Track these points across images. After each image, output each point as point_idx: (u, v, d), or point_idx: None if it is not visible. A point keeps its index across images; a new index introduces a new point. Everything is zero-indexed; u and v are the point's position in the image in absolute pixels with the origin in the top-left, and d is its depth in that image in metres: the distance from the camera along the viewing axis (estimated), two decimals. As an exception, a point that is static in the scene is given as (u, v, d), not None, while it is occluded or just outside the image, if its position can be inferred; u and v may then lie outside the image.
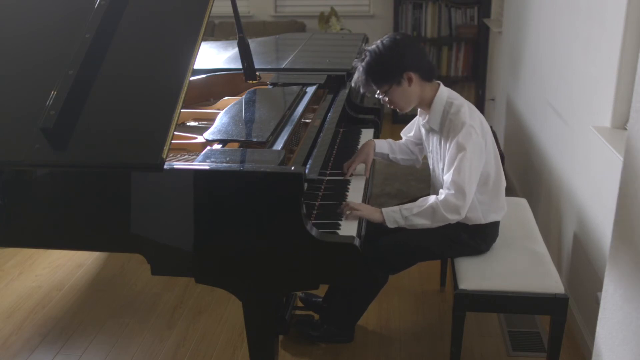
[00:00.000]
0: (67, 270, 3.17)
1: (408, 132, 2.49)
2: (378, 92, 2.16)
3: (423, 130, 2.32)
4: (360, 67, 2.13)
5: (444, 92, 2.16)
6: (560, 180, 2.85)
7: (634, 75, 1.91)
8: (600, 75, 2.34)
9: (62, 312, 2.82)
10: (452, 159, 2.05)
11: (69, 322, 2.75)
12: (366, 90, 2.18)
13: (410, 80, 2.10)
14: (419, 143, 2.43)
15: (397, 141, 2.51)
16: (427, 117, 2.19)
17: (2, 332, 2.68)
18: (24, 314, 2.81)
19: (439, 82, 2.19)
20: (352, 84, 2.22)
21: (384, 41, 2.12)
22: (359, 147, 2.66)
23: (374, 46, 2.13)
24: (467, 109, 2.10)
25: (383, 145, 2.45)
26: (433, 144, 2.23)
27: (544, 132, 3.24)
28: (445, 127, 2.11)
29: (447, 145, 2.09)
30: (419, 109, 2.26)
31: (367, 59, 2.11)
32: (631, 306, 1.57)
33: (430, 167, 2.31)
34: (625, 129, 2.11)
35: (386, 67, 2.09)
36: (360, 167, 2.39)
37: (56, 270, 3.18)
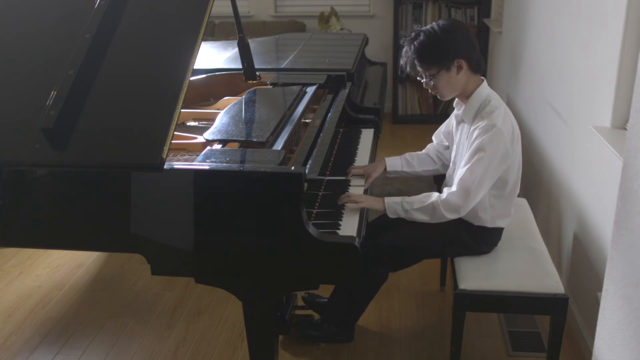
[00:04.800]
0: (67, 270, 3.17)
1: (440, 131, 2.46)
2: (423, 75, 2.12)
3: (454, 122, 2.29)
4: (412, 46, 2.09)
5: (485, 89, 2.15)
6: (560, 180, 2.85)
7: (634, 75, 1.91)
8: (600, 75, 2.34)
9: (62, 312, 2.82)
10: (470, 156, 2.04)
11: (69, 322, 2.75)
12: (412, 71, 2.14)
13: (460, 68, 2.08)
14: (447, 145, 2.41)
15: (417, 152, 2.48)
16: (462, 109, 2.18)
17: (2, 332, 2.68)
18: (24, 314, 2.81)
19: (483, 78, 2.17)
20: (401, 62, 2.15)
21: (440, 24, 2.08)
22: (359, 147, 2.67)
23: (429, 27, 2.09)
24: (502, 112, 2.07)
25: (396, 164, 2.43)
26: (461, 136, 2.21)
27: (544, 132, 3.24)
28: (476, 123, 2.09)
29: (471, 140, 2.07)
30: (456, 99, 2.23)
31: (421, 38, 2.07)
32: (631, 306, 1.57)
33: (452, 159, 2.30)
34: (625, 129, 2.11)
35: (440, 50, 2.06)
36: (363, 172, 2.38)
37: (56, 270, 3.18)
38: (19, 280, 3.09)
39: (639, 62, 1.65)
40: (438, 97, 2.18)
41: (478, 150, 2.02)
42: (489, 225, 2.19)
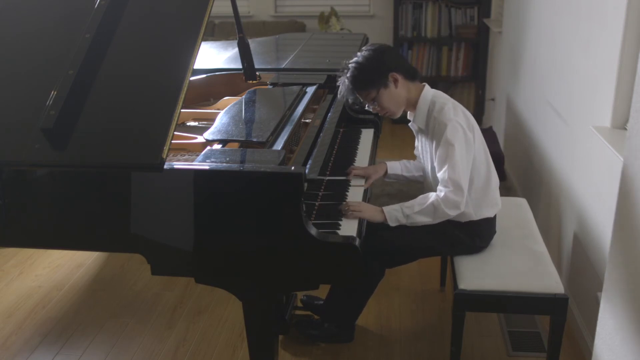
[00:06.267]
0: (67, 270, 3.17)
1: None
2: (367, 101, 2.19)
3: (414, 132, 2.34)
4: (345, 80, 2.18)
5: (429, 92, 2.20)
6: (560, 180, 2.85)
7: (634, 75, 1.91)
8: (600, 75, 2.34)
9: (62, 312, 2.82)
10: (442, 156, 2.08)
11: (69, 322, 2.75)
12: (354, 101, 2.23)
13: (396, 81, 2.15)
14: None
15: (412, 160, 2.51)
16: (413, 117, 2.23)
17: (2, 332, 2.68)
18: (24, 314, 2.81)
19: (424, 83, 2.23)
20: (339, 96, 2.26)
21: (363, 52, 2.18)
22: (359, 147, 2.67)
23: (354, 59, 2.18)
24: (450, 106, 2.13)
25: (396, 167, 2.46)
26: (423, 145, 2.28)
27: (544, 132, 3.24)
28: (431, 126, 2.15)
29: (434, 144, 2.12)
30: (408, 112, 2.27)
31: (350, 71, 2.16)
32: (631, 306, 1.57)
33: (422, 167, 2.34)
34: (625, 129, 2.11)
35: (371, 72, 2.14)
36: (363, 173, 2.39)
37: (56, 270, 3.18)
38: (19, 280, 3.09)
39: (639, 62, 1.65)
40: (389, 116, 2.24)
41: (447, 146, 2.06)
42: (475, 217, 2.20)
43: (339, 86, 2.23)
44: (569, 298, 2.09)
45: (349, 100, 2.24)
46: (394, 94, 2.16)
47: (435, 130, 2.12)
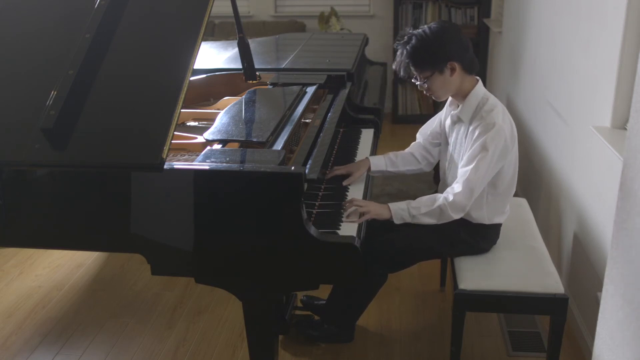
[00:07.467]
0: (67, 270, 3.17)
1: (428, 129, 2.43)
2: (417, 77, 2.13)
3: (449, 121, 2.28)
4: (404, 50, 2.10)
5: (482, 88, 2.16)
6: (560, 180, 2.85)
7: (634, 75, 1.91)
8: (600, 75, 2.34)
9: (62, 312, 2.82)
10: (473, 155, 2.05)
11: (69, 322, 2.75)
12: (406, 74, 2.15)
13: (453, 70, 2.08)
14: (437, 143, 2.41)
15: (401, 152, 2.47)
16: (459, 108, 2.17)
17: (2, 332, 2.68)
18: (24, 314, 2.81)
19: (478, 77, 2.17)
20: (393, 67, 2.16)
21: (432, 27, 2.09)
22: (359, 147, 2.67)
23: (420, 30, 2.09)
24: (500, 110, 2.09)
25: (380, 163, 2.41)
26: (457, 135, 2.21)
27: (544, 132, 3.24)
28: (475, 121, 2.10)
29: (472, 139, 2.08)
30: (450, 99, 2.24)
31: (413, 42, 2.07)
32: (631, 306, 1.57)
33: (446, 158, 2.30)
34: (625, 129, 2.11)
35: (432, 54, 2.07)
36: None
37: (56, 270, 3.18)
38: (19, 280, 3.09)
39: (639, 62, 1.65)
40: (433, 98, 2.18)
41: (482, 149, 2.03)
42: (487, 222, 2.20)
43: (396, 49, 2.14)
44: (569, 298, 2.09)
45: (401, 72, 2.14)
46: (447, 81, 2.10)
47: (478, 127, 2.06)
